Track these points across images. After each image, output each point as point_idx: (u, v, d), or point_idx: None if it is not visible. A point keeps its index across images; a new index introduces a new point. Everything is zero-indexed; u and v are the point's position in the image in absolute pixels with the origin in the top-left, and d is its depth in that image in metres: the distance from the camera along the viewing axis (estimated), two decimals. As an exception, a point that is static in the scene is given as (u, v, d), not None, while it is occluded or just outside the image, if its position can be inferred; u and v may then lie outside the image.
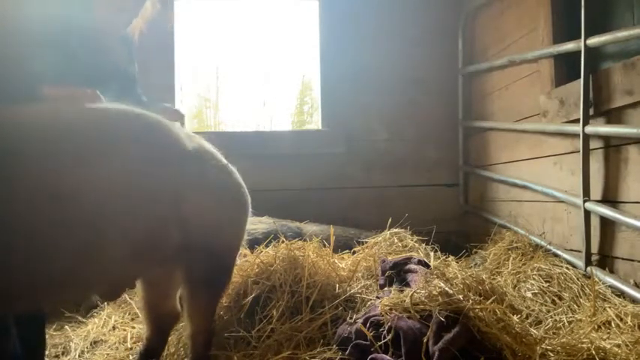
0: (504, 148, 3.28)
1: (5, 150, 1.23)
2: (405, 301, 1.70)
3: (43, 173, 1.26)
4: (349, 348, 1.69)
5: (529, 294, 2.26)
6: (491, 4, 3.42)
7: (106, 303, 2.50)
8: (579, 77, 2.34)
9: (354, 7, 3.72)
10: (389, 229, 2.73)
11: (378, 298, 1.94)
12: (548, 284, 2.30)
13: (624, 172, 2.22)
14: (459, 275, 1.99)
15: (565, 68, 2.68)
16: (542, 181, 2.81)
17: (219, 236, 1.64)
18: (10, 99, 1.41)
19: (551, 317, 2.07)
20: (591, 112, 2.33)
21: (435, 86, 3.77)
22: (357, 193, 3.66)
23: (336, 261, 2.26)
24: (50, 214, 1.25)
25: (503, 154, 3.29)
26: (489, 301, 1.77)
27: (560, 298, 2.21)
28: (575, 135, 2.44)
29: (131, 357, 1.96)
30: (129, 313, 2.38)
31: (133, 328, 2.21)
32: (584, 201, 2.33)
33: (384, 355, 1.58)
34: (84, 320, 2.43)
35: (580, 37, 2.32)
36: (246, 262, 2.14)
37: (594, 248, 2.35)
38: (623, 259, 2.22)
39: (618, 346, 1.75)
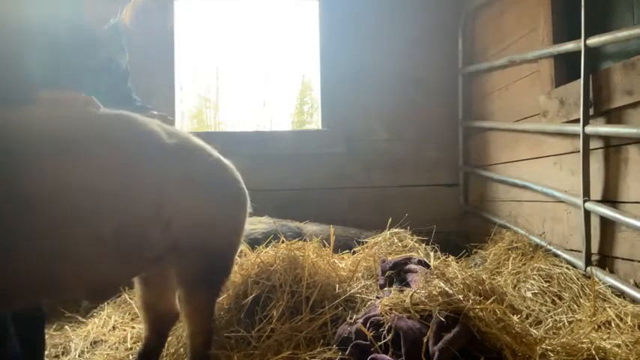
0: (504, 148, 3.28)
1: None
2: (405, 301, 1.70)
3: (15, 174, 1.25)
4: (349, 348, 1.69)
5: (529, 294, 2.26)
6: (491, 4, 3.42)
7: (106, 303, 2.50)
8: (579, 77, 2.34)
9: (354, 7, 3.72)
10: (389, 229, 2.73)
11: (378, 298, 1.94)
12: (548, 284, 2.30)
13: (624, 172, 2.22)
14: (459, 275, 1.99)
15: (565, 68, 2.68)
16: (542, 181, 2.81)
17: (212, 235, 1.60)
18: (2, 100, 1.41)
19: (551, 317, 2.07)
20: (591, 112, 2.33)
21: (435, 86, 3.77)
22: (357, 193, 3.67)
23: (336, 261, 2.26)
24: (20, 215, 1.24)
25: (503, 154, 3.29)
26: (489, 301, 1.77)
27: (560, 298, 2.21)
28: (575, 135, 2.44)
29: (131, 357, 1.96)
30: (129, 313, 2.38)
31: (133, 328, 2.21)
32: (584, 201, 2.33)
33: (384, 355, 1.58)
34: (84, 320, 2.43)
35: (580, 37, 2.32)
36: (246, 262, 2.14)
37: (594, 248, 2.35)
38: (623, 259, 2.22)
39: (618, 346, 1.75)
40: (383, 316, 1.69)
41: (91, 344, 2.16)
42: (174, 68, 3.57)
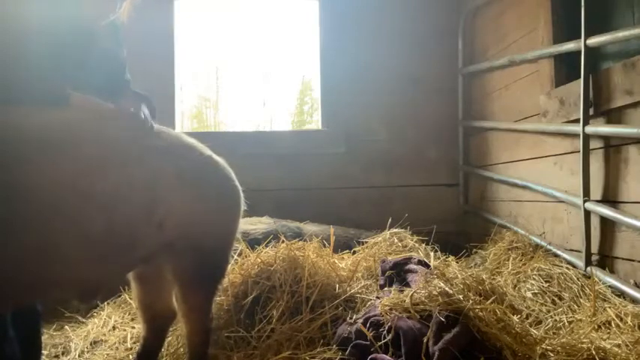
0: (504, 148, 3.28)
1: None
2: (405, 301, 1.70)
3: (3, 172, 1.25)
4: (349, 348, 1.69)
5: (529, 294, 2.26)
6: (491, 4, 3.42)
7: (106, 303, 2.50)
8: (579, 77, 2.34)
9: (354, 7, 3.72)
10: (389, 229, 2.73)
11: (378, 298, 1.94)
12: (548, 284, 2.30)
13: (624, 172, 2.22)
14: (459, 275, 1.99)
15: (565, 68, 2.68)
16: (542, 181, 2.81)
17: (206, 233, 1.60)
18: (32, 101, 1.42)
19: (551, 317, 2.07)
20: (591, 112, 2.33)
21: (435, 86, 3.76)
22: (356, 193, 3.66)
23: (336, 261, 2.26)
24: (6, 213, 1.24)
25: (504, 154, 3.29)
26: (489, 301, 1.77)
27: (560, 298, 2.21)
28: (575, 135, 2.44)
29: (131, 357, 1.96)
30: (129, 313, 2.38)
31: (133, 328, 2.21)
32: (584, 201, 2.33)
33: (384, 355, 1.58)
34: (84, 320, 2.43)
35: (580, 37, 2.32)
36: (246, 262, 2.14)
37: (594, 248, 2.35)
38: (623, 259, 2.22)
39: (618, 346, 1.75)
40: (383, 316, 1.69)
41: (91, 344, 2.16)
42: (174, 68, 3.57)
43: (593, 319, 1.96)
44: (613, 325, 1.91)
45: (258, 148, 3.55)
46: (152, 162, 1.50)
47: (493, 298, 1.87)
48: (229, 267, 2.13)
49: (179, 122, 3.77)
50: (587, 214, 2.34)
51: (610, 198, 2.29)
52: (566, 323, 2.01)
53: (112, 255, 1.43)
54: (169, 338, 1.97)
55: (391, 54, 3.73)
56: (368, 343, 1.66)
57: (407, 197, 3.63)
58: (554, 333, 1.94)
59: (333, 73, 3.71)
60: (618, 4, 2.42)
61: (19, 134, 1.32)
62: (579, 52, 2.33)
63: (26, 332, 1.62)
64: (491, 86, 3.44)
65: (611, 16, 2.44)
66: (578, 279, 2.29)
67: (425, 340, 1.54)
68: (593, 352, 1.65)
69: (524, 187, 2.99)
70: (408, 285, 1.94)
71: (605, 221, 2.31)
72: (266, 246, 2.27)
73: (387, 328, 1.65)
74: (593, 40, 2.26)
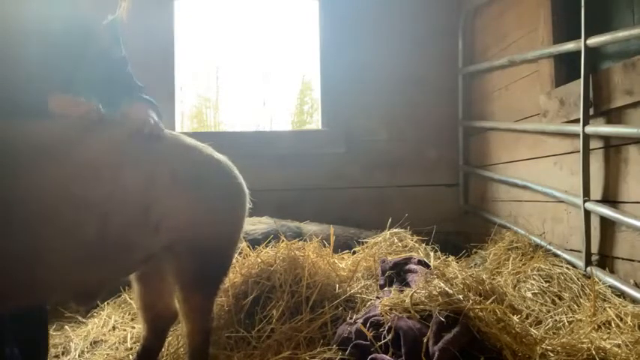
0: (504, 148, 3.28)
1: None
2: (405, 301, 1.70)
3: None
4: (349, 348, 1.69)
5: (529, 294, 2.26)
6: (491, 4, 3.42)
7: (106, 303, 2.50)
8: (579, 77, 2.34)
9: (354, 7, 3.72)
10: (389, 229, 2.73)
11: (378, 298, 1.94)
12: (548, 284, 2.30)
13: (624, 172, 2.22)
14: (459, 275, 1.99)
15: (565, 68, 2.68)
16: (542, 181, 2.81)
17: (207, 234, 1.58)
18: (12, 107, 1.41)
19: (551, 317, 2.07)
20: (591, 112, 2.33)
21: (435, 86, 3.76)
22: (357, 193, 3.66)
23: (336, 261, 2.26)
24: (2, 216, 1.24)
25: (504, 154, 3.29)
26: (489, 301, 1.77)
27: (560, 298, 2.21)
28: (575, 135, 2.44)
29: (131, 357, 1.96)
30: (129, 313, 2.38)
31: (133, 328, 2.21)
32: (584, 201, 2.33)
33: (384, 356, 1.58)
34: (84, 320, 2.43)
35: (580, 37, 2.32)
36: (246, 262, 2.14)
37: (594, 248, 2.35)
38: (623, 259, 2.22)
39: (618, 346, 1.75)
40: (383, 316, 1.69)
41: (91, 344, 2.16)
42: (174, 68, 3.57)
43: (593, 319, 1.96)
44: (613, 325, 1.91)
45: (258, 148, 3.55)
46: (147, 165, 1.49)
47: (493, 298, 1.87)
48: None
49: (179, 122, 3.77)
50: (587, 214, 2.34)
51: (610, 198, 2.29)
52: (566, 323, 2.01)
53: (107, 258, 1.43)
54: (169, 338, 1.96)
55: (391, 54, 3.72)
56: (368, 343, 1.66)
57: (407, 197, 3.63)
58: (554, 333, 1.94)
59: (333, 73, 3.71)
60: (618, 4, 2.42)
61: (10, 142, 1.32)
62: (579, 52, 2.33)
63: (33, 332, 1.62)
64: (491, 86, 3.44)
65: (611, 16, 2.44)
66: (578, 279, 2.29)
67: (425, 340, 1.54)
68: (593, 352, 1.65)
69: (524, 187, 2.99)
70: (408, 285, 1.94)
71: (605, 221, 2.31)
72: (266, 246, 2.27)
73: (387, 328, 1.65)
74: (593, 40, 2.26)
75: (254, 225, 2.77)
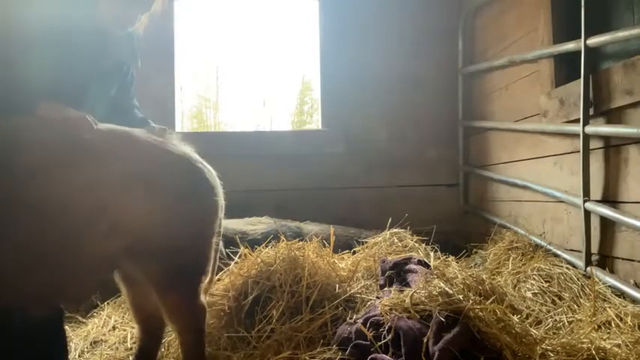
0: (504, 148, 3.28)
1: None
2: (405, 301, 1.70)
3: None
4: (349, 348, 1.69)
5: (529, 294, 2.26)
6: (491, 4, 3.42)
7: (106, 303, 2.50)
8: (579, 77, 2.34)
9: (354, 7, 3.72)
10: (389, 229, 2.73)
11: (378, 298, 1.94)
12: (548, 284, 2.30)
13: (624, 172, 2.22)
14: (459, 275, 1.99)
15: (565, 68, 2.68)
16: (542, 181, 2.81)
17: (167, 234, 1.51)
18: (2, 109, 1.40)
19: (551, 317, 2.07)
20: (591, 112, 2.33)
21: (435, 86, 3.76)
22: (357, 193, 3.66)
23: (336, 261, 2.26)
24: None
25: (504, 154, 3.29)
26: (489, 301, 1.77)
27: (560, 298, 2.20)
28: (575, 135, 2.44)
29: (131, 357, 1.96)
30: (129, 313, 2.37)
31: (133, 328, 2.21)
32: (584, 201, 2.33)
33: (384, 356, 1.58)
34: (84, 320, 2.43)
35: (580, 37, 2.32)
36: (246, 262, 2.14)
37: (594, 248, 2.35)
38: (623, 259, 2.22)
39: (618, 346, 1.75)
40: (383, 316, 1.69)
41: (91, 344, 2.16)
42: (174, 68, 3.57)
43: (593, 319, 1.96)
44: (613, 325, 1.91)
45: (258, 148, 3.54)
46: (93, 166, 1.43)
47: (493, 298, 1.87)
48: (229, 267, 2.14)
49: (179, 122, 3.77)
50: (587, 214, 2.34)
51: (610, 198, 2.29)
52: (566, 323, 2.01)
53: (50, 263, 1.38)
54: (169, 338, 1.97)
55: (391, 54, 3.72)
56: (368, 343, 1.66)
57: (407, 197, 3.63)
58: (554, 333, 1.94)
59: (333, 74, 3.71)
60: (618, 4, 2.42)
61: None
62: (579, 52, 2.33)
63: (49, 331, 1.61)
64: (491, 86, 3.44)
65: (611, 16, 2.44)
66: (578, 279, 2.29)
67: (425, 340, 1.54)
68: (593, 352, 1.65)
69: (524, 187, 2.99)
70: (408, 285, 1.94)
71: (605, 221, 2.31)
72: (266, 246, 2.27)
73: (387, 328, 1.65)
74: (593, 40, 2.26)
75: (254, 225, 2.77)
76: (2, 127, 1.41)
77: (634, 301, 2.03)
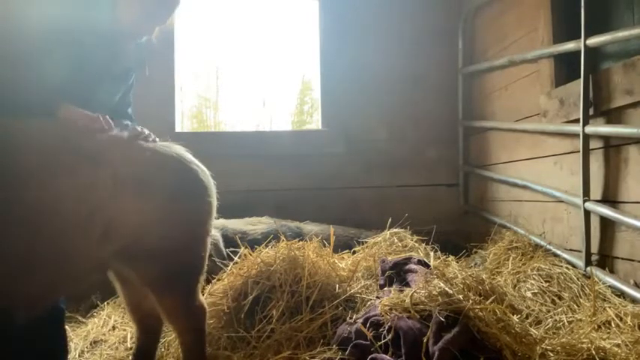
0: (504, 148, 3.28)
1: None
2: (405, 301, 1.70)
3: None
4: (349, 348, 1.69)
5: (529, 294, 2.26)
6: (491, 4, 3.42)
7: (106, 303, 2.50)
8: (579, 77, 2.34)
9: (354, 7, 3.72)
10: (389, 229, 2.73)
11: (378, 298, 1.94)
12: (548, 284, 2.30)
13: (624, 172, 2.22)
14: (459, 275, 1.99)
15: (565, 68, 2.68)
16: (542, 181, 2.81)
17: (160, 236, 1.51)
18: (21, 108, 1.40)
19: (551, 317, 2.07)
20: (591, 112, 2.33)
21: (435, 86, 3.76)
22: (356, 193, 3.66)
23: (336, 261, 2.26)
24: None
25: (504, 154, 3.29)
26: (489, 301, 1.77)
27: (560, 298, 2.21)
28: (575, 135, 2.44)
29: (131, 357, 1.96)
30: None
31: (133, 327, 2.21)
32: (584, 201, 2.33)
33: (384, 355, 1.58)
34: (84, 320, 2.43)
35: (580, 37, 2.32)
36: (246, 262, 2.14)
37: (594, 248, 2.35)
38: (623, 259, 2.22)
39: (618, 346, 1.75)
40: (383, 316, 1.69)
41: (91, 344, 2.16)
42: (174, 68, 3.56)
43: (593, 319, 1.96)
44: (613, 325, 1.91)
45: (258, 148, 3.54)
46: (89, 167, 1.42)
47: (493, 297, 1.87)
48: (229, 267, 2.14)
49: (179, 122, 3.77)
50: (587, 214, 2.34)
51: (610, 198, 2.29)
52: (566, 323, 2.01)
53: (43, 267, 1.37)
54: (169, 338, 1.97)
55: (391, 54, 3.72)
56: (368, 343, 1.66)
57: (407, 197, 3.62)
58: (554, 333, 1.94)
59: (332, 73, 3.70)
60: (618, 4, 2.42)
61: None
62: (579, 52, 2.33)
63: (49, 331, 1.61)
64: (491, 86, 3.44)
65: (611, 16, 2.44)
66: (578, 279, 2.29)
67: (425, 340, 1.54)
68: (593, 352, 1.65)
69: (524, 187, 2.99)
70: (408, 285, 1.94)
71: (605, 221, 2.31)
72: (266, 246, 2.27)
73: (387, 328, 1.65)
74: (593, 40, 2.26)
75: (254, 225, 2.77)
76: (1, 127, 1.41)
77: (634, 300, 2.03)
